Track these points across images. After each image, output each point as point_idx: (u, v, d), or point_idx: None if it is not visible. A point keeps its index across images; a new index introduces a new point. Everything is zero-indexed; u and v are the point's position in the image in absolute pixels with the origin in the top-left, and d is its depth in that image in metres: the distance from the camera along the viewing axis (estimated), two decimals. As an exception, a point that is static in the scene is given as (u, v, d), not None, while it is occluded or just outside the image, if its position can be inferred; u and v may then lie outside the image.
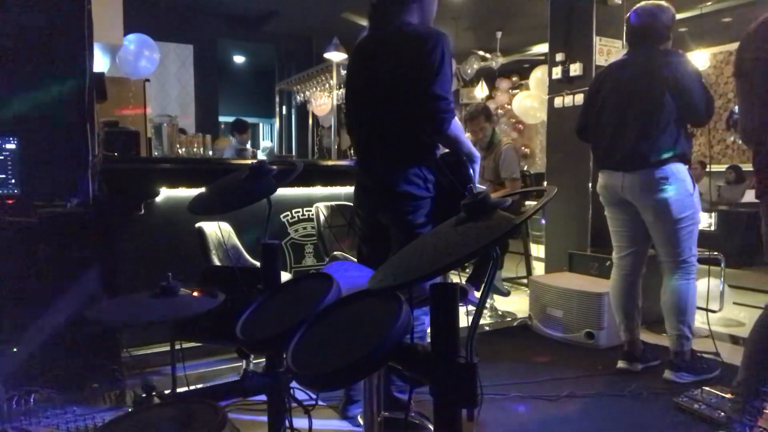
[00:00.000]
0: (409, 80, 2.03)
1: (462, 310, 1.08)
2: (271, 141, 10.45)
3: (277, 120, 9.28)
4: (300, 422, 1.79)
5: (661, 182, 2.62)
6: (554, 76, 4.38)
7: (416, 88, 2.02)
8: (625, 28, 2.87)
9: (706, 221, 5.99)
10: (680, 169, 2.66)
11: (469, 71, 7.89)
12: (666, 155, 2.63)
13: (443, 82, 2.01)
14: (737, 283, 4.61)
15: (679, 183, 2.64)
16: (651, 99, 2.64)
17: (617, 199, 2.83)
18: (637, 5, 2.81)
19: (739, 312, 3.95)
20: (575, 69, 4.19)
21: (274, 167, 1.98)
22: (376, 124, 2.14)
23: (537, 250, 5.07)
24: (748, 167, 7.32)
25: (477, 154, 2.18)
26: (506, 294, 4.10)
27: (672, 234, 2.67)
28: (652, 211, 2.69)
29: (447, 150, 2.16)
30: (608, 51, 4.10)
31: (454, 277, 2.09)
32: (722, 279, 3.81)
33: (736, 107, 2.60)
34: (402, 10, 2.12)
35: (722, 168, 7.92)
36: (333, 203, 3.01)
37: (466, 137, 2.20)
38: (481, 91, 8.21)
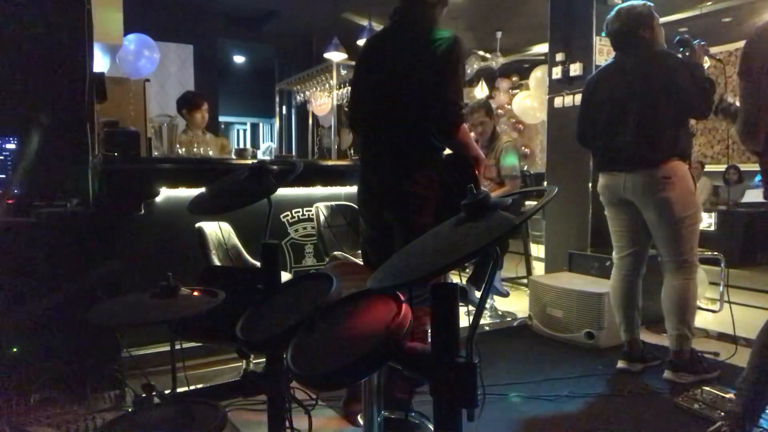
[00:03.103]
0: (423, 82, 2.04)
1: (462, 310, 1.08)
2: (272, 141, 10.44)
3: (277, 120, 9.27)
4: (300, 422, 1.79)
5: (663, 181, 2.62)
6: (554, 76, 4.38)
7: (429, 91, 2.02)
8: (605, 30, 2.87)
9: (706, 221, 5.99)
10: (681, 168, 2.66)
11: (469, 71, 7.88)
12: (667, 154, 2.63)
13: (456, 87, 2.03)
14: (737, 283, 4.61)
15: (680, 182, 2.63)
16: (645, 100, 2.65)
17: (618, 199, 2.83)
18: (613, 10, 2.82)
19: (739, 312, 3.95)
20: (575, 69, 4.19)
21: (274, 167, 1.98)
22: (386, 124, 2.14)
23: (537, 250, 5.07)
24: (747, 167, 7.34)
25: (483, 156, 2.19)
26: (506, 295, 4.10)
27: (674, 233, 2.67)
28: (654, 210, 2.69)
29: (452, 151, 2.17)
30: (608, 51, 4.09)
31: (454, 277, 2.10)
32: (722, 279, 3.81)
33: (727, 96, 2.59)
34: (421, 12, 2.13)
35: (722, 168, 7.91)
36: (333, 203, 3.01)
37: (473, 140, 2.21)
38: (481, 91, 8.21)
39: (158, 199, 2.95)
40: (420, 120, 2.05)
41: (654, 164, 2.63)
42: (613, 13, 2.80)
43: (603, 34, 2.86)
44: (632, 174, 2.70)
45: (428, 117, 2.04)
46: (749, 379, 1.95)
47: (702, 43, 2.74)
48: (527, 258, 4.58)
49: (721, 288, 3.79)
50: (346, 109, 6.65)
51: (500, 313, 4.01)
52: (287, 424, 1.59)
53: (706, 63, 2.78)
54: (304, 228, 3.51)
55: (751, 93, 1.98)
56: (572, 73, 4.22)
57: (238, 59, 10.84)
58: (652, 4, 2.77)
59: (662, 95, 2.61)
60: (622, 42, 2.80)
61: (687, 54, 2.72)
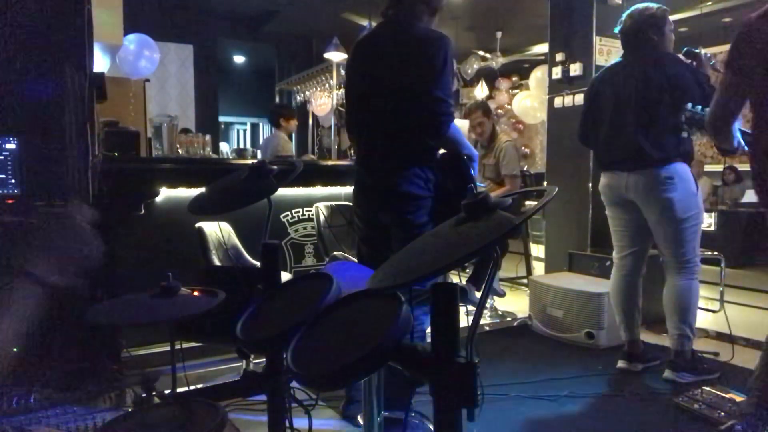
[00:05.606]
0: (412, 81, 2.04)
1: (462, 310, 1.08)
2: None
3: (277, 120, 9.26)
4: (300, 422, 1.79)
5: (666, 182, 2.63)
6: (554, 76, 4.38)
7: (418, 90, 2.02)
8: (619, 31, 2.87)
9: (706, 221, 5.99)
10: (684, 169, 2.67)
11: (469, 71, 7.89)
12: (670, 154, 2.63)
13: (445, 84, 2.02)
14: (737, 283, 4.61)
15: (683, 182, 2.64)
16: (649, 102, 2.65)
17: (620, 198, 2.83)
18: (629, 9, 2.82)
19: (739, 312, 3.95)
20: (575, 69, 4.19)
21: (274, 167, 1.98)
22: (379, 124, 2.14)
23: (537, 250, 5.07)
24: (745, 167, 7.34)
25: (475, 153, 2.19)
26: (502, 294, 4.10)
27: (676, 234, 2.67)
28: (656, 210, 2.69)
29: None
30: (608, 51, 4.10)
31: (454, 277, 2.09)
32: (722, 279, 3.81)
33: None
34: (411, 11, 2.13)
35: (720, 168, 7.91)
36: (333, 203, 3.01)
37: (466, 138, 2.21)
38: (481, 91, 8.21)
39: (158, 199, 2.95)
40: (411, 120, 2.06)
41: (657, 164, 2.63)
42: (636, 11, 2.79)
43: (616, 30, 2.86)
44: (635, 174, 2.70)
45: (419, 116, 2.04)
46: (761, 378, 1.95)
47: (709, 55, 2.74)
48: (527, 258, 4.58)
49: (721, 288, 3.80)
50: (341, 109, 6.65)
51: (500, 313, 4.01)
52: (287, 424, 1.59)
53: (713, 77, 2.78)
54: (304, 228, 3.51)
55: (733, 86, 1.91)
56: (572, 73, 4.21)
57: (238, 59, 10.85)
58: (667, 8, 2.77)
59: (665, 96, 2.61)
60: (630, 41, 2.79)
61: (694, 64, 2.73)
